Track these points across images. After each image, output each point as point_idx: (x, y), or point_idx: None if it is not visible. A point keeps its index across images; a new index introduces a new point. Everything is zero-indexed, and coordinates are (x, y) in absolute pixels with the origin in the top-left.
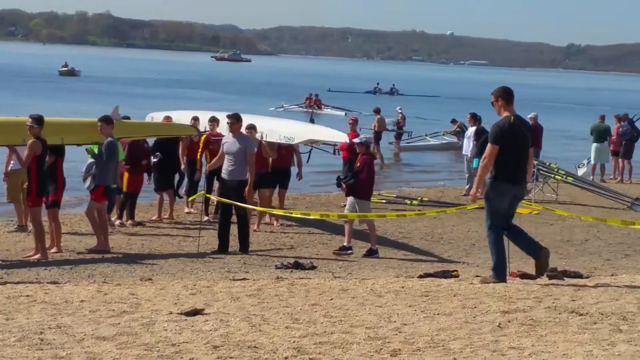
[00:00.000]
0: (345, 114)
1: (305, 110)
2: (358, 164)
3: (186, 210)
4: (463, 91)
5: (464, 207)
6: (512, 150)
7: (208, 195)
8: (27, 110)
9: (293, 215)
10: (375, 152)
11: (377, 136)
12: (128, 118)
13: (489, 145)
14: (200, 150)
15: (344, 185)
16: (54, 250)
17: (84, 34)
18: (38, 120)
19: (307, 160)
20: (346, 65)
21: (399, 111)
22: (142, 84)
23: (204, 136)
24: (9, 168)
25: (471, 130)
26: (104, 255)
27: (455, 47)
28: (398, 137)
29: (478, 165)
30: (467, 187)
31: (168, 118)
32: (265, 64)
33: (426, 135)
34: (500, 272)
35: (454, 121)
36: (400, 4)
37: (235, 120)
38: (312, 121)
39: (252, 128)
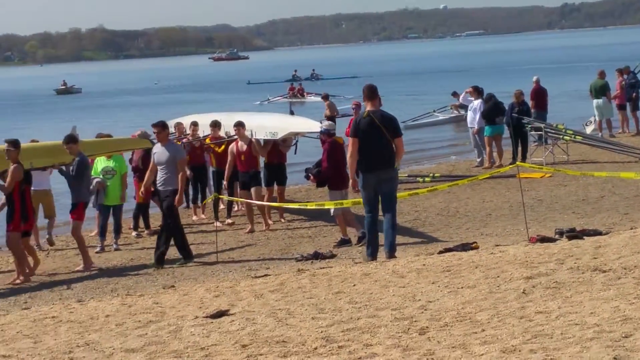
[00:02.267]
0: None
1: (290, 100)
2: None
3: (194, 217)
4: (464, 64)
5: (475, 178)
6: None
7: (221, 196)
8: (21, 134)
9: (308, 207)
10: (339, 137)
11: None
12: (110, 136)
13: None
14: None
15: (311, 177)
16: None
17: (80, 50)
18: (15, 143)
19: (295, 152)
20: (341, 52)
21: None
22: (143, 93)
23: (207, 139)
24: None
25: (476, 102)
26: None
27: (450, 20)
28: None
29: (488, 134)
30: (478, 159)
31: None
32: (262, 59)
33: (434, 111)
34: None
35: (454, 94)
36: None
37: (161, 129)
38: (291, 112)
39: (240, 125)
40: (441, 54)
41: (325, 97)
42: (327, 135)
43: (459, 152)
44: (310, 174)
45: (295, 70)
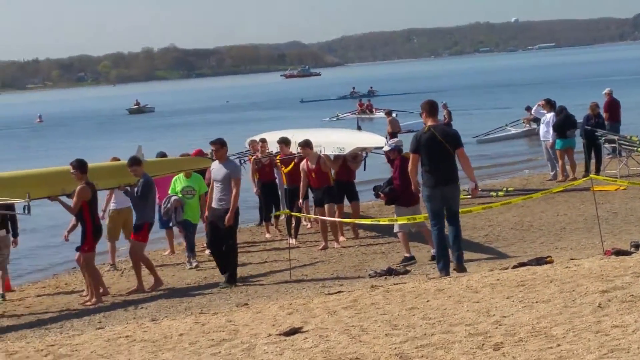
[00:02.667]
0: (396, 115)
1: (359, 116)
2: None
3: (267, 235)
4: (535, 76)
5: (549, 191)
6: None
7: (292, 214)
8: (92, 153)
9: (380, 222)
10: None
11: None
12: (165, 155)
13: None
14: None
15: (381, 195)
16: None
17: (152, 70)
18: (80, 165)
19: (364, 169)
20: (412, 67)
21: (444, 106)
22: (215, 111)
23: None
24: (110, 207)
25: (548, 116)
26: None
27: (522, 33)
28: None
29: (560, 148)
30: (552, 173)
31: (264, 141)
32: (334, 75)
33: (506, 125)
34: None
35: (528, 108)
36: None
37: (219, 147)
38: (359, 128)
39: (306, 145)
40: (513, 67)
41: (388, 113)
42: (396, 152)
43: (532, 165)
44: (380, 192)
45: (353, 88)
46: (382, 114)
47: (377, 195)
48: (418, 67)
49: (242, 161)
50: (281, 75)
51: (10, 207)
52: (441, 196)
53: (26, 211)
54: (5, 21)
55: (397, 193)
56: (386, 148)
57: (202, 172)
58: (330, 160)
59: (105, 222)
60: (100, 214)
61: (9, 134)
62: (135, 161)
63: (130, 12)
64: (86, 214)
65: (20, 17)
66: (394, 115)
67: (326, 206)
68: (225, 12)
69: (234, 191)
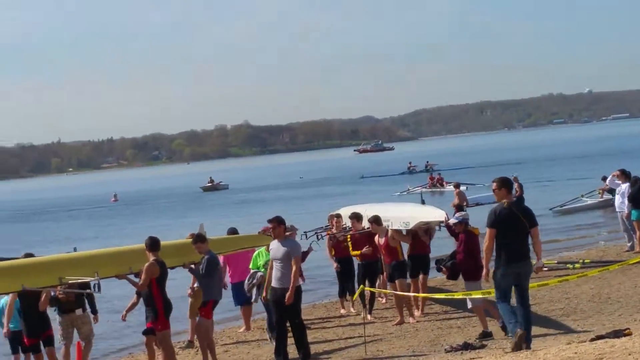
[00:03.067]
0: (466, 187)
1: (430, 190)
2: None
3: (342, 311)
4: (610, 147)
5: (626, 262)
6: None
7: (367, 289)
8: (166, 231)
9: (455, 297)
10: (474, 228)
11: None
12: (236, 231)
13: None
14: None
15: (444, 269)
16: None
17: (226, 147)
18: (151, 244)
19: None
20: (486, 139)
21: (515, 178)
22: (288, 187)
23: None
24: (195, 285)
25: (624, 186)
26: None
27: (596, 104)
28: None
29: (635, 219)
30: (629, 244)
31: (338, 215)
32: (407, 149)
33: (582, 195)
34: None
35: (604, 179)
36: (533, 70)
37: (276, 224)
38: (422, 202)
39: (375, 221)
40: (587, 139)
41: (457, 186)
42: (462, 226)
43: (609, 237)
44: (442, 266)
45: (410, 162)
46: (452, 187)
47: (439, 269)
48: (491, 139)
49: (321, 236)
50: (354, 150)
51: (85, 286)
52: (515, 273)
53: (96, 289)
54: (81, 102)
55: (460, 267)
56: (452, 221)
57: None
58: (401, 235)
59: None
60: (188, 290)
61: (85, 214)
62: (199, 238)
63: (202, 90)
64: (155, 292)
65: (94, 98)
66: (462, 188)
67: (397, 281)
68: (297, 88)
69: (293, 269)
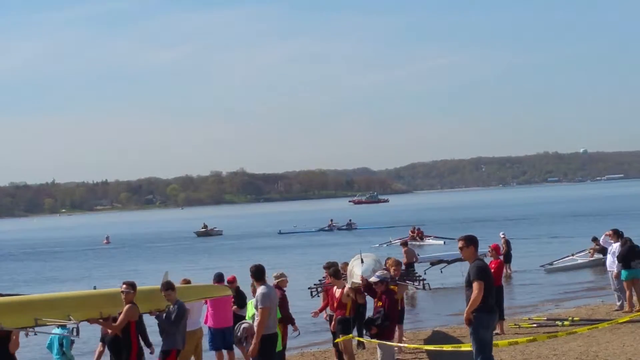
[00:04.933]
0: (444, 242)
1: (410, 242)
2: (380, 303)
3: None
4: (603, 207)
5: (615, 321)
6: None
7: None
8: (155, 275)
9: (444, 349)
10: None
11: (408, 267)
12: (222, 277)
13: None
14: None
15: (373, 328)
16: None
17: (220, 193)
18: (133, 285)
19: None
20: (481, 195)
21: (502, 236)
22: (283, 236)
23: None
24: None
25: (615, 246)
26: None
27: (590, 164)
28: (507, 260)
29: (625, 279)
30: (618, 303)
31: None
32: (402, 202)
33: (572, 254)
34: None
35: (594, 239)
36: (529, 128)
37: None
38: (362, 261)
39: (333, 275)
40: (581, 198)
41: (404, 244)
42: (385, 285)
43: (598, 295)
44: (373, 326)
45: (331, 220)
46: (432, 241)
47: (368, 329)
48: (486, 195)
49: (317, 293)
50: (349, 201)
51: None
52: (493, 324)
53: (74, 333)
54: (75, 143)
55: (392, 327)
56: (373, 279)
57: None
58: (352, 291)
59: None
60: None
61: (76, 255)
62: (169, 286)
63: (198, 136)
64: (133, 335)
65: (89, 139)
66: (439, 242)
67: (341, 337)
68: (293, 137)
69: (257, 319)
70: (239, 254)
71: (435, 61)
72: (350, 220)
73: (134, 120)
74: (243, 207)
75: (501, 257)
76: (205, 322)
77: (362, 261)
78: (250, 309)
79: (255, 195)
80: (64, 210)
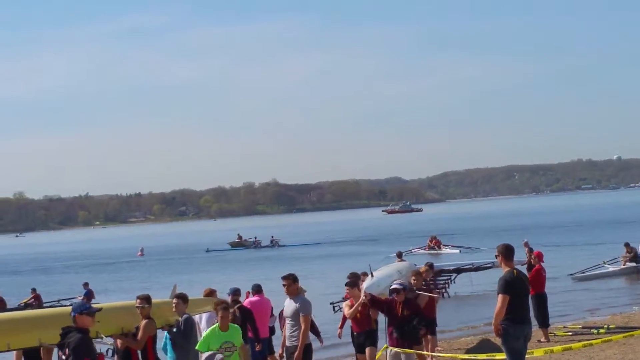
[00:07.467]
0: (460, 251)
1: (428, 252)
2: (406, 312)
3: None
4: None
5: None
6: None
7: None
8: (191, 286)
9: (479, 358)
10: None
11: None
12: (238, 291)
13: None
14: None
15: (422, 332)
16: None
17: (253, 204)
18: (148, 299)
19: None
20: (514, 203)
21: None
22: (316, 246)
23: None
24: None
25: None
26: None
27: (624, 170)
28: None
29: None
30: None
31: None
32: (435, 211)
33: (604, 262)
34: None
35: (627, 245)
36: (563, 135)
37: (291, 282)
38: (371, 274)
39: (353, 285)
40: (615, 205)
41: (399, 255)
42: (408, 292)
43: (634, 302)
44: (421, 326)
45: (255, 237)
46: (449, 250)
47: (415, 335)
48: (519, 203)
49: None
50: (382, 211)
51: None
52: (525, 334)
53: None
54: (108, 156)
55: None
56: (394, 286)
57: (242, 321)
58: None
59: None
60: None
61: (111, 267)
62: (181, 296)
63: (231, 147)
64: (150, 352)
65: (122, 152)
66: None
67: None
68: (326, 147)
69: (302, 327)
70: (276, 264)
71: (463, 71)
72: (272, 237)
73: (166, 133)
74: (276, 218)
75: (542, 264)
76: None
77: (372, 275)
78: (214, 341)
79: (288, 206)
80: (97, 222)
